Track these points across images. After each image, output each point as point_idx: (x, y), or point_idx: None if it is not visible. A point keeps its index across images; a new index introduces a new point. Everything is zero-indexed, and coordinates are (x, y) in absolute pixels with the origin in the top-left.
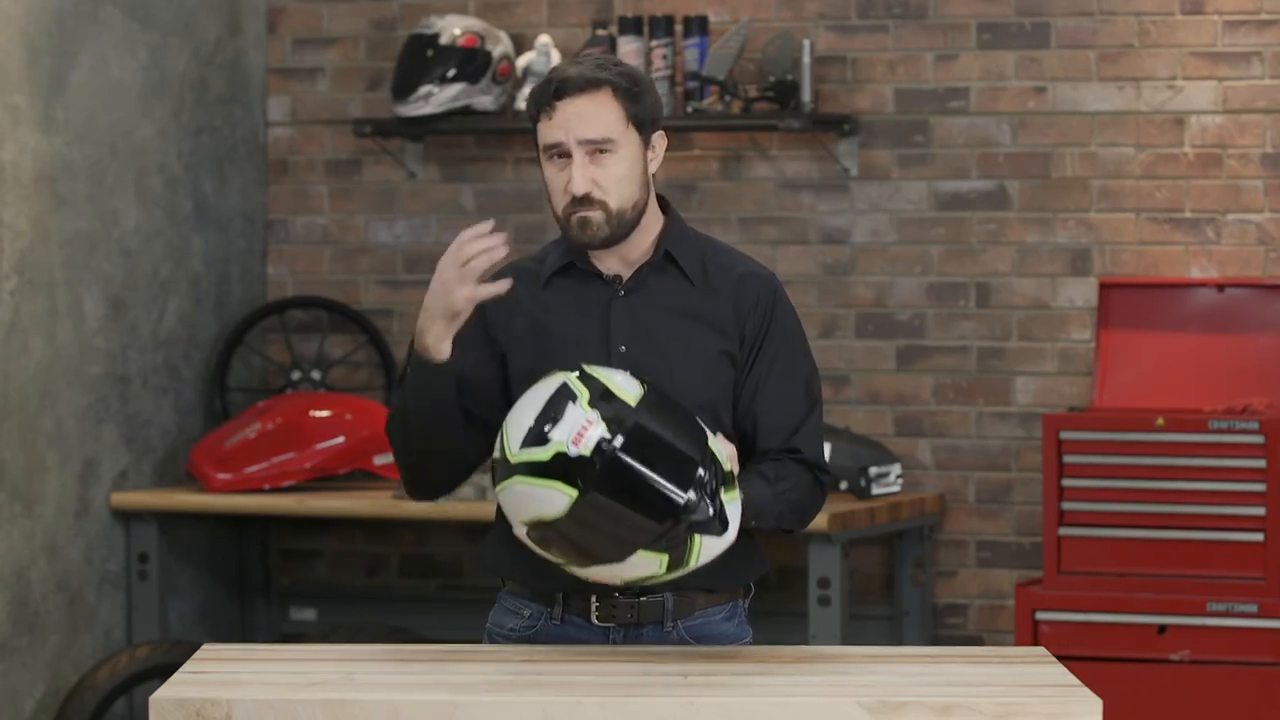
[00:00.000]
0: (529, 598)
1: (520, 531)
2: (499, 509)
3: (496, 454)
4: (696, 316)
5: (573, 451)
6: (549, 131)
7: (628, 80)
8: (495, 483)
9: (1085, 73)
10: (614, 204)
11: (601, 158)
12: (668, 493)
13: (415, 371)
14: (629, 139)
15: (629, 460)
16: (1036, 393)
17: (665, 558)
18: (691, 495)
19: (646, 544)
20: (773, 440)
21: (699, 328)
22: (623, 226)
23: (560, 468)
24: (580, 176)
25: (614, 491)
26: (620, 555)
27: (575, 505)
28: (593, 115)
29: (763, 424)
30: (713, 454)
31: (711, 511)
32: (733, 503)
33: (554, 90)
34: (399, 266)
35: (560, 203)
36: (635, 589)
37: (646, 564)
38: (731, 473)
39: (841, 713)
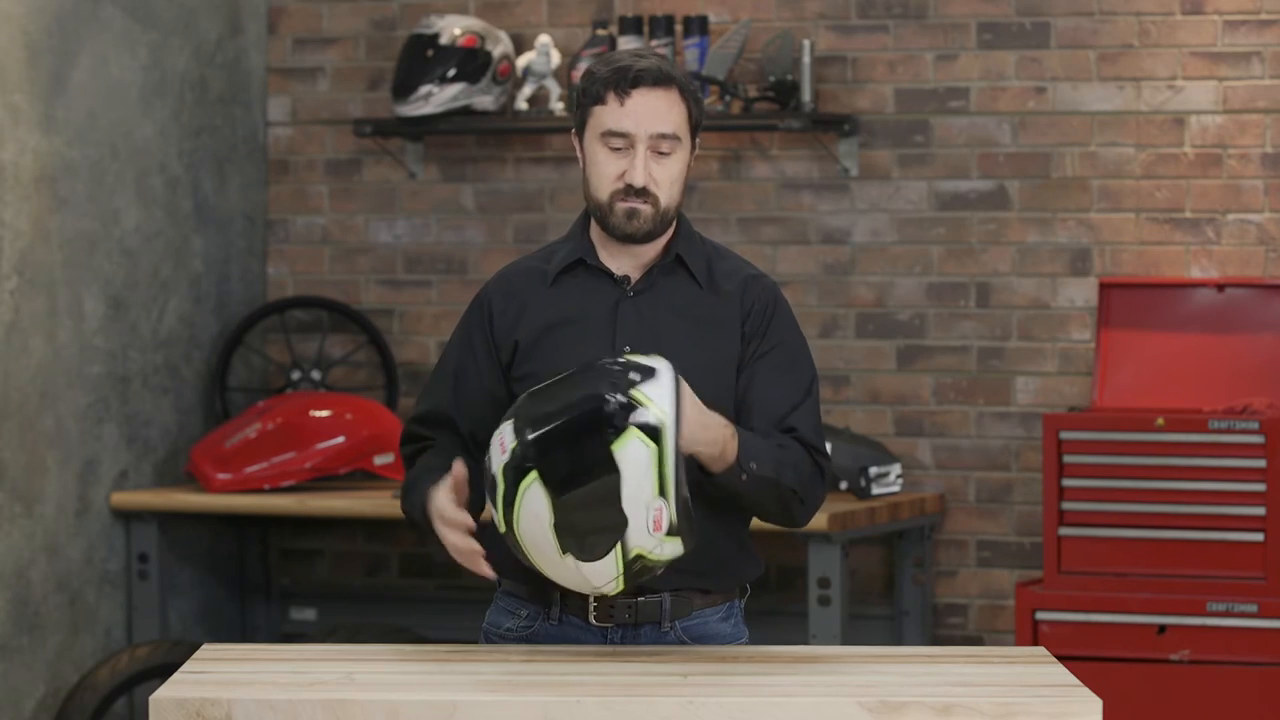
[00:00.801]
0: (526, 598)
1: (568, 569)
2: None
3: (505, 533)
4: (703, 319)
5: (506, 460)
6: (616, 117)
7: (689, 84)
8: (538, 567)
9: (1085, 73)
10: (664, 201)
11: (663, 156)
12: (587, 406)
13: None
14: (686, 142)
15: (537, 413)
16: (1036, 393)
17: (653, 449)
18: (606, 391)
19: (615, 445)
20: (767, 420)
21: (705, 331)
22: (664, 225)
23: (512, 478)
24: (642, 169)
25: (552, 449)
26: (617, 491)
27: (546, 486)
28: (665, 111)
29: (758, 407)
30: (605, 363)
31: (631, 378)
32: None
33: (632, 78)
34: (399, 266)
35: (608, 189)
36: (632, 588)
37: (641, 470)
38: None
39: (841, 713)
